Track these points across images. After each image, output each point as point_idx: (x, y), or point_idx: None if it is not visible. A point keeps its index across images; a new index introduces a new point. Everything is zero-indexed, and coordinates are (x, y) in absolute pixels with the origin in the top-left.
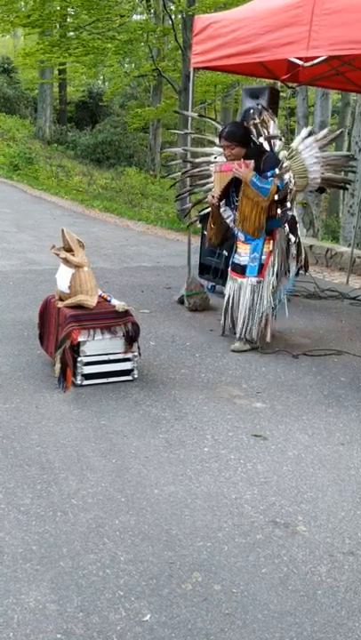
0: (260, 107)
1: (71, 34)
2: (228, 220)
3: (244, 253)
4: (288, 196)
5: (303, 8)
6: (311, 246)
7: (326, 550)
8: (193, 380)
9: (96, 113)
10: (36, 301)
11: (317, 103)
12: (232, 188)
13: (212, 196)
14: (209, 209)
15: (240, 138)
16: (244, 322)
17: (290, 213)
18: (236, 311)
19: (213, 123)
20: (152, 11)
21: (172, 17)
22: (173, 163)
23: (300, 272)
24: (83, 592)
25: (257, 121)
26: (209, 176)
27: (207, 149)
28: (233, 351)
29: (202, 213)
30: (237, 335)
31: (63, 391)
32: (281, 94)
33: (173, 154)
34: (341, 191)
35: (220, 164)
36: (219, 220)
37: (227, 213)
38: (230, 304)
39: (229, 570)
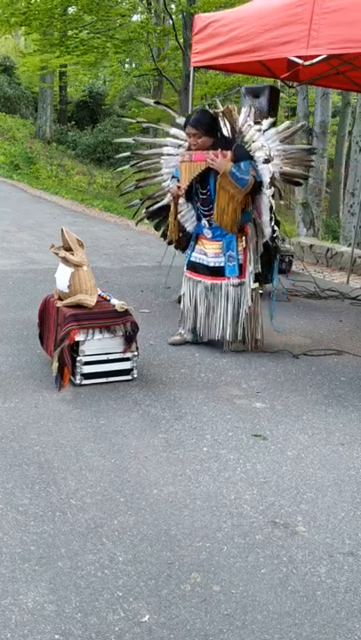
0: (217, 100)
1: (70, 32)
2: (179, 216)
3: (213, 254)
4: (269, 180)
5: (303, 7)
6: (311, 246)
7: (326, 551)
8: (192, 380)
9: (96, 112)
10: (36, 301)
11: (318, 103)
12: (196, 179)
13: (178, 187)
14: (159, 204)
15: (207, 126)
16: (231, 325)
17: (268, 196)
18: (203, 315)
19: (171, 111)
20: (152, 10)
21: (173, 16)
22: (120, 155)
23: (288, 277)
24: (81, 592)
25: (219, 110)
26: (159, 169)
27: (160, 140)
28: (233, 350)
29: (151, 209)
30: (226, 339)
31: (58, 390)
32: (281, 94)
33: (124, 145)
34: (342, 190)
35: (189, 152)
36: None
37: (182, 207)
38: (197, 308)
39: (229, 570)
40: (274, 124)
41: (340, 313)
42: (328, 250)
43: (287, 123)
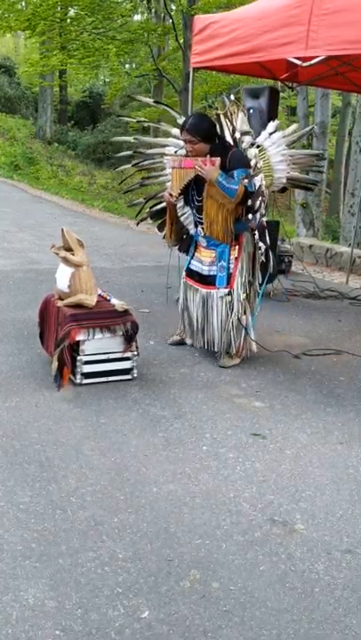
0: (225, 97)
1: (72, 35)
2: (182, 218)
3: (208, 262)
4: (259, 200)
5: (302, 8)
6: (311, 246)
7: (324, 548)
8: (192, 379)
9: (96, 113)
10: (36, 300)
11: (317, 103)
12: (192, 186)
13: (170, 194)
14: (162, 204)
15: (205, 132)
16: (220, 336)
17: (258, 217)
18: (199, 323)
19: (172, 112)
20: (153, 11)
21: (173, 17)
22: (121, 154)
23: (288, 277)
24: (81, 589)
25: (221, 112)
26: (163, 169)
27: (161, 140)
28: (221, 367)
29: (154, 209)
30: (217, 350)
31: (58, 389)
32: (281, 95)
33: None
34: (342, 191)
35: (179, 159)
36: (176, 219)
37: (183, 210)
38: (192, 315)
39: (227, 567)
40: (278, 129)
41: (340, 313)
42: (328, 250)
43: (294, 126)
